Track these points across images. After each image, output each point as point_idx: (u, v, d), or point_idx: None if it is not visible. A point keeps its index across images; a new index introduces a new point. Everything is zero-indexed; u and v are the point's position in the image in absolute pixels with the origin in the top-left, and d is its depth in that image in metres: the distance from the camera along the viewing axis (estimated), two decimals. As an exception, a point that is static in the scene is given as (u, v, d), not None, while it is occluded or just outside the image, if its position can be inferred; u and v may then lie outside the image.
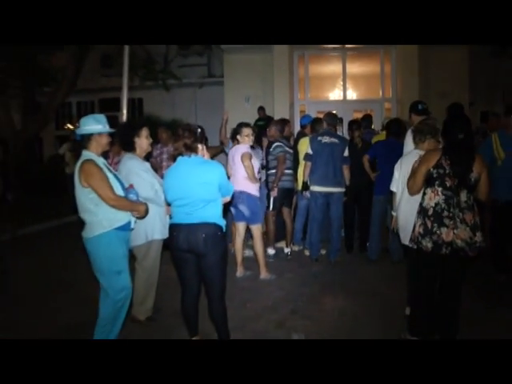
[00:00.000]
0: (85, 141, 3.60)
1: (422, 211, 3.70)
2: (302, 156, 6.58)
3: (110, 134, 3.72)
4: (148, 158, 4.52)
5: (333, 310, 4.76)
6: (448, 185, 3.57)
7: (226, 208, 4.16)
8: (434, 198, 3.62)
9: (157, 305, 4.61)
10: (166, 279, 5.11)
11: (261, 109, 11.10)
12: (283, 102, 10.99)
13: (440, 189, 3.60)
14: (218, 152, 7.00)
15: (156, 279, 4.44)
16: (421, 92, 10.33)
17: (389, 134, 6.38)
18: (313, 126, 6.86)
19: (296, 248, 6.99)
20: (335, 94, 12.72)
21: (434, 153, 3.70)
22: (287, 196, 6.61)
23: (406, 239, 4.08)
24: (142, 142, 4.26)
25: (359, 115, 9.03)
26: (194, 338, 3.74)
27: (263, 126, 7.91)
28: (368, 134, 7.16)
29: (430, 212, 3.62)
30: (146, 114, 14.59)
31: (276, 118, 8.69)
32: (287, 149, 6.46)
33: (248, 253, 6.72)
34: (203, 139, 3.60)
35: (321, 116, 6.99)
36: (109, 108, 13.51)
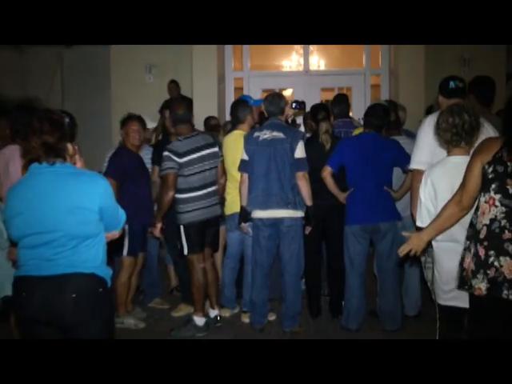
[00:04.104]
0: None
1: (473, 234, 3.74)
2: (229, 163, 6.67)
3: None
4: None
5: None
6: (511, 190, 3.58)
7: (113, 249, 4.03)
8: (488, 211, 3.66)
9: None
10: None
11: (173, 84, 11.14)
12: (207, 74, 11.08)
13: (498, 196, 3.61)
14: None
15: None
16: (429, 58, 10.58)
17: (365, 126, 6.51)
18: (233, 113, 6.99)
19: (227, 313, 6.95)
20: (292, 63, 12.85)
21: (490, 142, 3.78)
22: (207, 229, 6.56)
23: (454, 298, 4.27)
24: None
25: (329, 96, 9.12)
26: None
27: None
28: (343, 126, 7.23)
29: (483, 233, 3.65)
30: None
31: (197, 99, 8.66)
32: (188, 157, 6.28)
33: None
34: (74, 135, 3.60)
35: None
36: None
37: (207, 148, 6.47)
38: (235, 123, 7.04)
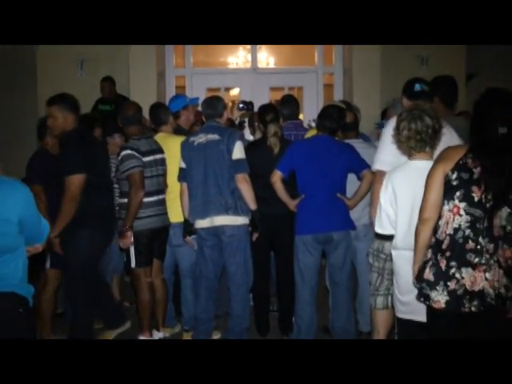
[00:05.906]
0: None
1: (434, 244, 3.80)
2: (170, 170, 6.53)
3: None
4: None
5: None
6: (476, 198, 3.64)
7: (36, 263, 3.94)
8: (452, 220, 3.70)
9: None
10: None
11: (106, 82, 10.91)
12: (146, 70, 11.06)
13: (463, 205, 3.66)
14: None
15: None
16: (385, 56, 10.66)
17: (318, 128, 6.45)
18: (154, 115, 6.92)
19: (168, 332, 6.84)
20: (238, 60, 12.95)
21: (452, 150, 3.85)
22: (155, 241, 6.46)
23: (411, 312, 4.32)
24: None
25: (279, 96, 9.05)
26: None
27: (110, 113, 7.67)
28: (293, 128, 7.20)
29: (446, 244, 3.70)
30: None
31: (134, 98, 8.57)
32: (147, 158, 6.31)
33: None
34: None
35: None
36: None
37: (159, 153, 6.46)
38: (157, 125, 6.94)
